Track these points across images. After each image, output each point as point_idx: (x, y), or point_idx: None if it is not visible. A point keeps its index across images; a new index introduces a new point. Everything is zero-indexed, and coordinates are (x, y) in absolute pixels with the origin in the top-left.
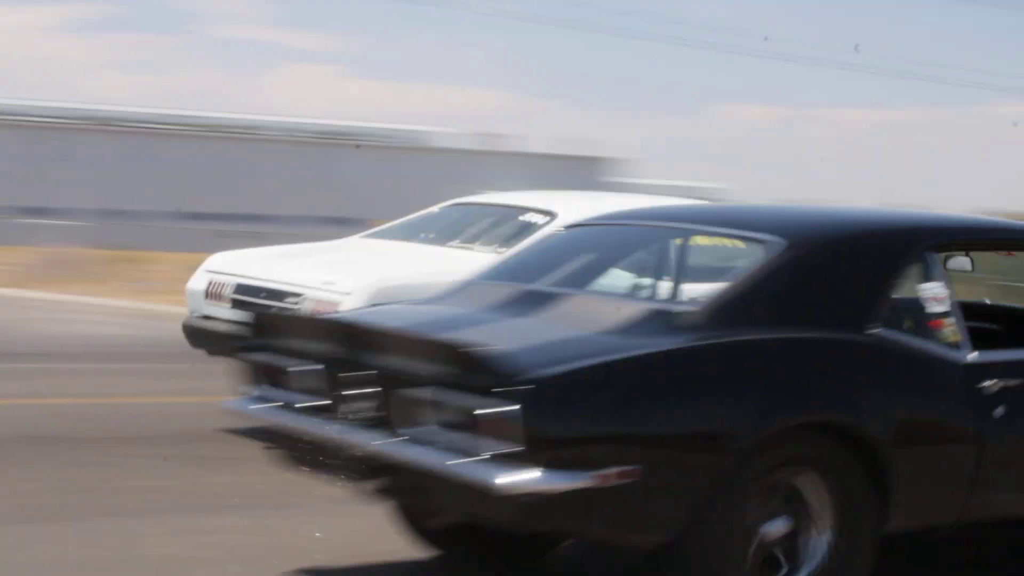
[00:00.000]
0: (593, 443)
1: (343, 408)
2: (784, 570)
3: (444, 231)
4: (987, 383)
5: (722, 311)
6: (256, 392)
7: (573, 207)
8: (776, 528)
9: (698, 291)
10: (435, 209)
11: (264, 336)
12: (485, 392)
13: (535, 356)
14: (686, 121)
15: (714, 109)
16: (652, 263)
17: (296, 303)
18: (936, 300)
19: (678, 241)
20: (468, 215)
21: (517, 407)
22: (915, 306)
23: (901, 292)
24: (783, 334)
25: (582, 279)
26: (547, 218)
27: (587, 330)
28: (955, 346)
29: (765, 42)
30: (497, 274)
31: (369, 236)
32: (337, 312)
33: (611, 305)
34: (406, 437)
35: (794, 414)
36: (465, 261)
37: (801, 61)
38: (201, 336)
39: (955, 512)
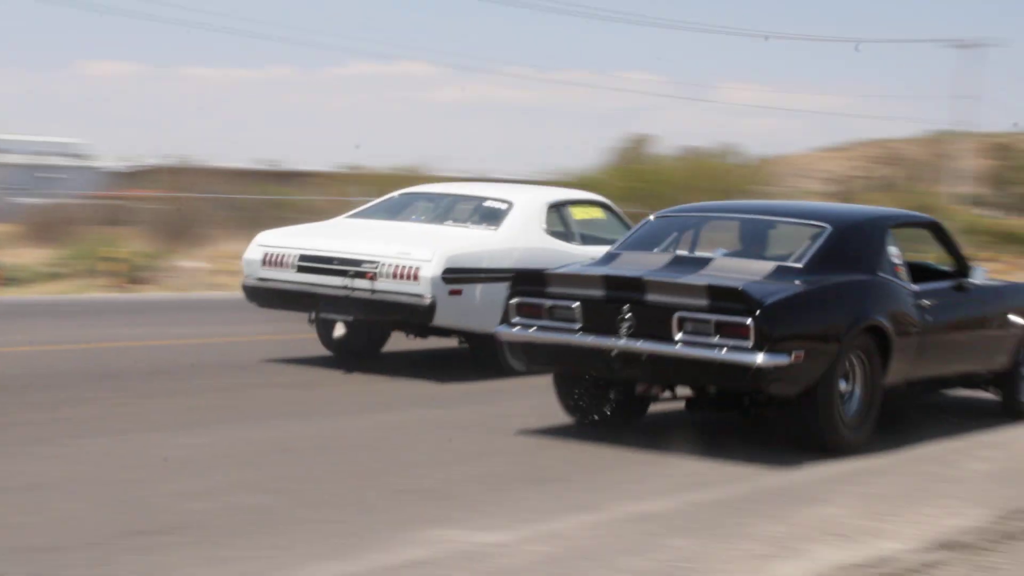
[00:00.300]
0: (785, 339)
1: (617, 324)
2: (844, 405)
3: (427, 214)
4: (923, 301)
5: (812, 266)
6: (517, 321)
7: (525, 198)
8: (843, 385)
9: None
10: (395, 195)
11: (520, 289)
12: (720, 308)
13: (754, 292)
14: (51, 76)
15: (78, 64)
16: (735, 238)
17: (375, 268)
18: (896, 256)
19: (738, 224)
20: (433, 202)
21: (749, 320)
22: (888, 260)
23: (882, 253)
24: (846, 278)
25: (706, 246)
26: (507, 204)
27: (754, 278)
28: (908, 282)
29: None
30: (630, 246)
31: (359, 216)
32: (581, 268)
33: (750, 263)
34: (668, 343)
35: (864, 321)
36: (474, 236)
37: (161, 20)
38: (260, 294)
39: (906, 375)
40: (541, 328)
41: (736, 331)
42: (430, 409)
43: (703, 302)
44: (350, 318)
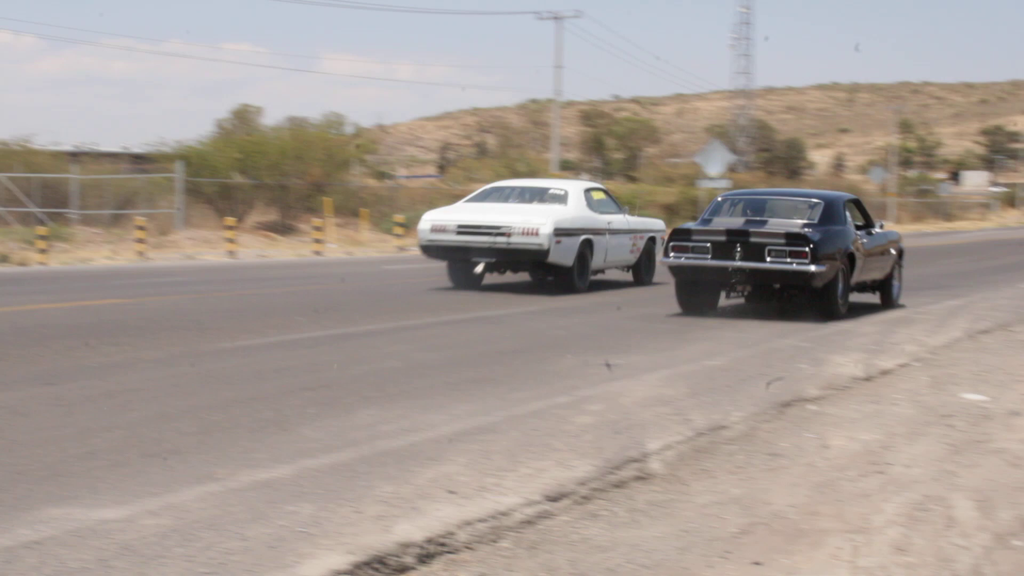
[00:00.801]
0: (820, 258)
1: (737, 253)
2: (835, 290)
3: (518, 198)
4: (861, 240)
5: (820, 222)
6: (674, 251)
7: (572, 186)
8: (841, 279)
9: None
10: (488, 187)
11: (676, 237)
12: (792, 244)
13: (808, 234)
14: None
15: None
16: (771, 208)
17: (509, 231)
18: (849, 216)
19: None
20: (515, 190)
21: (808, 248)
22: (848, 218)
23: (846, 214)
24: (836, 227)
25: (754, 213)
26: (564, 191)
27: (796, 228)
28: (854, 230)
29: None
30: (714, 213)
31: (474, 201)
32: (705, 226)
33: (789, 221)
34: (762, 262)
35: (847, 249)
36: (558, 210)
37: None
38: (432, 250)
39: (857, 278)
40: (688, 257)
41: (800, 255)
42: (43, 387)
43: (782, 240)
44: (493, 260)
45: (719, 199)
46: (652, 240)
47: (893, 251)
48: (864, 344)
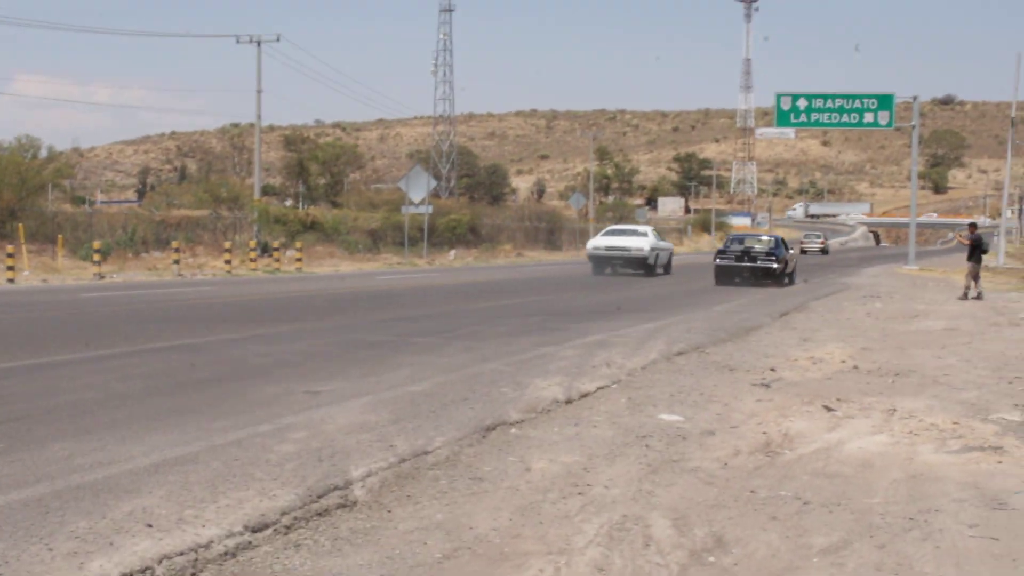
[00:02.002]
0: (779, 261)
1: (745, 259)
2: (788, 276)
3: (623, 234)
4: (789, 252)
5: (776, 247)
6: (718, 259)
7: (648, 228)
8: (784, 271)
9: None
10: (609, 227)
11: (720, 253)
12: (768, 255)
13: (774, 252)
14: None
15: None
16: (752, 241)
17: (628, 249)
18: (788, 244)
19: (752, 238)
20: (622, 230)
21: (775, 257)
22: (785, 245)
23: (784, 245)
24: (783, 249)
25: (747, 243)
26: (646, 230)
27: (769, 248)
28: (786, 250)
29: None
30: (729, 243)
31: (607, 235)
32: (730, 247)
33: (764, 246)
34: (756, 263)
35: (785, 257)
36: (647, 239)
37: None
38: (594, 259)
39: (788, 270)
40: (725, 261)
41: (772, 259)
42: None
43: (765, 254)
44: (620, 263)
45: (730, 237)
46: (671, 254)
47: (796, 259)
48: (565, 367)
